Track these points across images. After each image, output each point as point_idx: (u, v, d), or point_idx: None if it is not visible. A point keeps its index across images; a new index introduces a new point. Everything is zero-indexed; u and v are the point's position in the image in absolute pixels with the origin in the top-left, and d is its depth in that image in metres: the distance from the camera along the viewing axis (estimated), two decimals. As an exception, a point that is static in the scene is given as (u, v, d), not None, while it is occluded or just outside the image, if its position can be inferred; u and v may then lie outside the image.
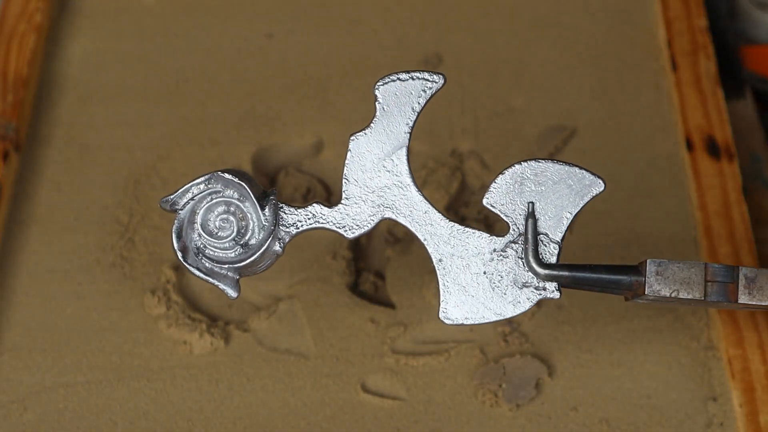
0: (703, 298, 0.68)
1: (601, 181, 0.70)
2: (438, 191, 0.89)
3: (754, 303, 0.69)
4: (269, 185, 0.91)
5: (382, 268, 0.87)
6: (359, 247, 0.88)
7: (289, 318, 0.83)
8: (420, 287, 0.84)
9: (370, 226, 0.71)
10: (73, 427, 0.79)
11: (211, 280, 0.70)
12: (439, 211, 0.71)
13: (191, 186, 0.70)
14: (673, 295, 0.68)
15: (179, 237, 0.70)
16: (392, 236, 0.88)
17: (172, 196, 0.70)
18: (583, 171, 0.70)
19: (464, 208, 0.89)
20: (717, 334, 0.82)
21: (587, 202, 0.70)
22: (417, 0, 1.01)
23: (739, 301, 0.69)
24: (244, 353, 0.82)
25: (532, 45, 0.98)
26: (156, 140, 0.92)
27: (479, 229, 0.71)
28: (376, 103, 0.70)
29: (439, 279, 0.70)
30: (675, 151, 0.91)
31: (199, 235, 0.70)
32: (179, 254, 0.70)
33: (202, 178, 0.70)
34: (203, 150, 0.92)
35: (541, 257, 0.69)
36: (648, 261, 0.69)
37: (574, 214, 0.70)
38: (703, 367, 0.81)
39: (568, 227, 0.70)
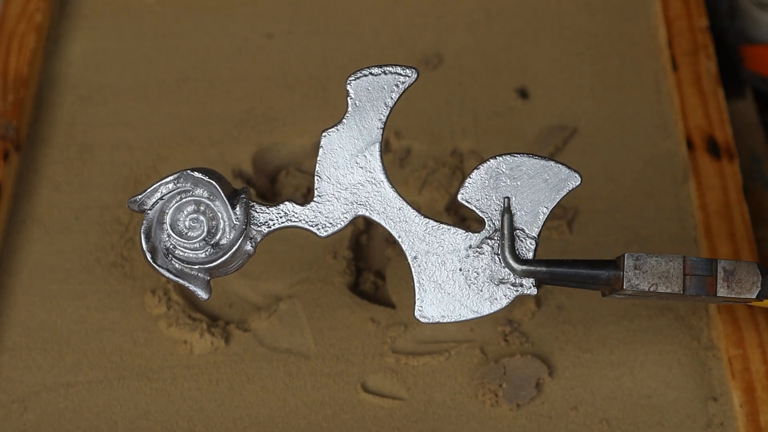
0: (681, 292, 0.67)
1: (577, 175, 0.69)
2: (438, 191, 0.89)
3: (733, 296, 0.68)
4: (269, 185, 0.91)
5: (382, 267, 0.87)
6: (359, 247, 0.88)
7: (290, 318, 0.83)
8: (420, 287, 0.84)
9: (343, 224, 0.70)
10: (73, 426, 0.79)
11: (181, 281, 0.69)
12: (414, 208, 0.70)
13: (160, 185, 0.69)
14: (651, 289, 0.67)
15: (148, 238, 0.69)
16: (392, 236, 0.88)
17: (140, 196, 0.69)
18: (559, 165, 0.69)
19: (464, 208, 0.88)
20: (717, 334, 0.82)
21: (563, 197, 0.69)
22: (417, 0, 1.01)
23: (718, 294, 0.68)
24: (245, 353, 0.82)
25: (532, 45, 0.98)
26: (156, 140, 0.92)
27: (458, 226, 0.70)
28: (348, 98, 0.69)
29: (414, 277, 0.69)
30: (675, 150, 0.91)
31: (169, 235, 0.68)
32: (148, 255, 0.68)
33: (171, 177, 0.69)
34: (203, 150, 0.92)
35: (517, 253, 0.69)
36: (626, 255, 0.68)
37: (550, 209, 0.69)
38: (704, 366, 0.81)
39: (544, 222, 0.69)
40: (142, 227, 0.69)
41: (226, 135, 0.93)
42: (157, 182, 0.69)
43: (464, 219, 0.88)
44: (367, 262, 0.87)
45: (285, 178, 0.91)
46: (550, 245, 0.86)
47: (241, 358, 0.82)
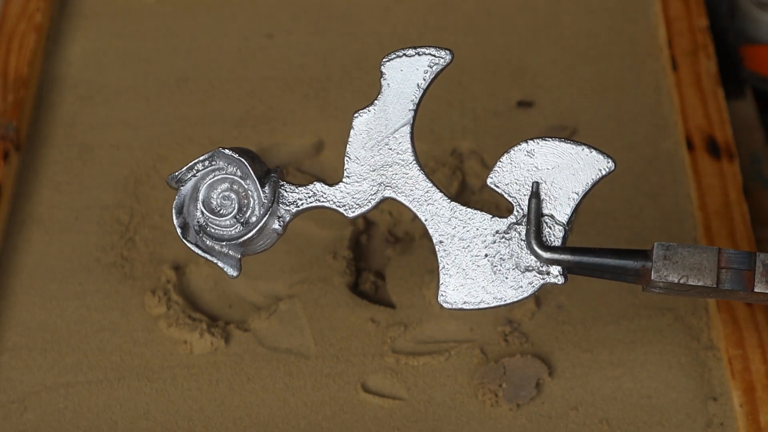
0: (715, 286, 0.65)
1: (611, 161, 0.67)
2: (438, 191, 0.89)
3: None
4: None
5: (382, 268, 0.87)
6: (359, 247, 0.88)
7: (290, 318, 0.83)
8: (420, 287, 0.84)
9: (370, 206, 0.69)
10: (73, 426, 0.79)
11: (210, 257, 0.69)
12: (441, 191, 0.68)
13: (195, 162, 0.69)
14: (681, 281, 0.64)
15: (180, 213, 0.69)
16: (392, 236, 0.88)
17: (177, 173, 0.69)
18: (592, 150, 0.67)
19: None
20: (717, 334, 0.82)
21: (596, 182, 0.67)
22: (417, 0, 1.01)
23: (756, 290, 0.64)
24: (245, 353, 0.82)
25: (532, 45, 0.98)
26: (156, 140, 0.92)
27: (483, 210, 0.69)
28: (382, 79, 0.68)
29: (439, 261, 0.68)
30: (675, 150, 0.91)
31: (202, 212, 0.69)
32: (179, 231, 0.69)
33: (205, 155, 0.69)
34: (204, 150, 0.91)
35: (544, 239, 0.66)
36: (656, 244, 0.65)
37: (581, 195, 0.67)
38: (704, 366, 0.81)
39: (575, 208, 0.67)
40: (175, 203, 0.69)
41: (226, 135, 0.93)
42: (193, 160, 0.69)
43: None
44: (367, 262, 0.87)
45: (285, 178, 0.91)
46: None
47: (241, 358, 0.82)
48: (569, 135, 0.92)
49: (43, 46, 0.97)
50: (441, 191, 0.69)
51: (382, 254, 0.88)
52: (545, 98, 0.94)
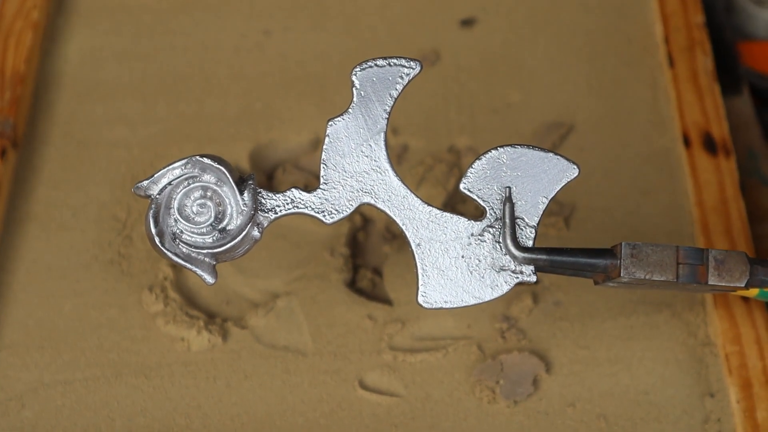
0: (675, 280, 0.69)
1: (575, 167, 0.70)
2: (435, 188, 0.89)
3: (722, 284, 0.69)
4: (267, 182, 0.91)
5: (379, 264, 0.87)
6: (357, 243, 0.88)
7: (287, 315, 0.83)
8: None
9: (348, 211, 0.70)
10: (71, 424, 0.79)
11: (188, 265, 0.69)
12: (418, 196, 0.71)
13: (167, 171, 0.70)
14: (647, 277, 0.69)
15: (156, 222, 0.69)
16: (390, 233, 0.88)
17: (145, 182, 0.69)
18: (558, 156, 0.70)
19: (461, 204, 0.89)
20: (714, 331, 0.82)
21: (562, 187, 0.70)
22: (414, -3, 1.01)
23: (709, 282, 0.69)
24: (242, 350, 0.82)
25: (529, 41, 0.98)
26: (154, 137, 0.92)
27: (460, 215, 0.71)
28: (354, 88, 0.70)
29: (418, 263, 0.70)
30: (672, 147, 0.91)
31: (176, 220, 0.69)
32: (156, 239, 0.69)
33: (179, 163, 0.70)
34: (201, 147, 0.92)
35: (518, 241, 0.70)
36: (623, 244, 0.69)
37: (549, 199, 0.70)
38: (701, 363, 0.81)
39: (543, 211, 0.70)
40: (150, 212, 0.69)
41: (223, 132, 0.93)
42: (164, 168, 0.70)
43: (462, 215, 0.88)
44: (365, 258, 0.87)
45: (282, 175, 0.91)
46: (548, 241, 0.86)
47: (239, 355, 0.82)
48: (566, 132, 0.92)
49: (40, 43, 0.97)
50: (417, 196, 0.71)
51: (379, 251, 0.88)
52: (542, 95, 0.94)
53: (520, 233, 0.70)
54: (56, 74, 0.96)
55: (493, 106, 0.94)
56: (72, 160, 0.91)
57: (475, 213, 0.88)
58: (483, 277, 0.70)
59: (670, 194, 0.89)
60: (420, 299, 0.70)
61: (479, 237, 0.71)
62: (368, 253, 0.88)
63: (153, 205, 0.69)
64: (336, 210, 0.71)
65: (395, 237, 0.87)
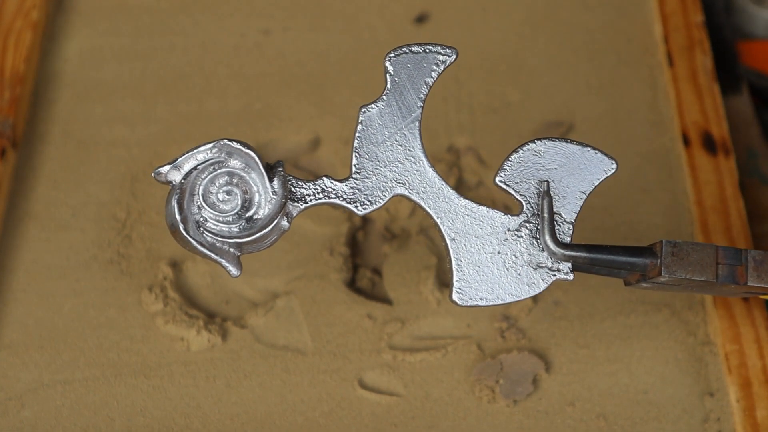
0: (714, 281, 0.67)
1: (614, 162, 0.68)
2: (435, 187, 0.89)
3: (761, 285, 0.68)
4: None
5: (379, 264, 0.87)
6: (356, 243, 0.88)
7: (287, 314, 0.83)
8: (417, 283, 0.85)
9: (382, 203, 0.68)
10: (70, 424, 0.79)
11: (213, 255, 0.66)
12: (453, 188, 0.69)
13: (192, 155, 0.66)
14: (688, 276, 0.66)
15: (181, 209, 0.66)
16: (389, 232, 0.88)
17: (166, 167, 0.66)
18: (597, 151, 0.68)
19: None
20: (714, 330, 0.82)
21: (600, 182, 0.69)
22: (413, -4, 1.01)
23: (748, 283, 0.67)
24: (242, 349, 0.82)
25: (528, 41, 0.98)
26: (153, 137, 0.92)
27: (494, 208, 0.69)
28: (387, 74, 0.68)
29: (452, 258, 0.68)
30: (671, 146, 0.91)
31: (200, 207, 0.66)
32: (181, 226, 0.65)
33: (206, 147, 0.66)
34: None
35: (557, 237, 0.68)
36: (663, 241, 0.67)
37: (587, 194, 0.68)
38: (700, 362, 0.81)
39: (581, 207, 0.68)
40: (175, 197, 0.66)
41: (223, 131, 0.93)
42: (188, 151, 0.66)
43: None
44: (364, 258, 0.87)
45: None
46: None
47: (238, 355, 0.82)
48: (565, 131, 0.92)
49: (39, 43, 0.97)
50: (452, 188, 0.69)
51: (378, 251, 0.88)
52: (541, 94, 0.94)
53: (558, 229, 0.68)
54: (55, 74, 0.96)
55: (492, 105, 0.94)
56: (71, 159, 0.91)
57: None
58: (519, 274, 0.68)
59: (670, 193, 0.89)
60: (455, 296, 0.68)
61: (516, 232, 0.68)
62: (368, 252, 0.88)
63: (177, 191, 0.66)
64: (369, 201, 0.68)
65: (394, 236, 0.87)
